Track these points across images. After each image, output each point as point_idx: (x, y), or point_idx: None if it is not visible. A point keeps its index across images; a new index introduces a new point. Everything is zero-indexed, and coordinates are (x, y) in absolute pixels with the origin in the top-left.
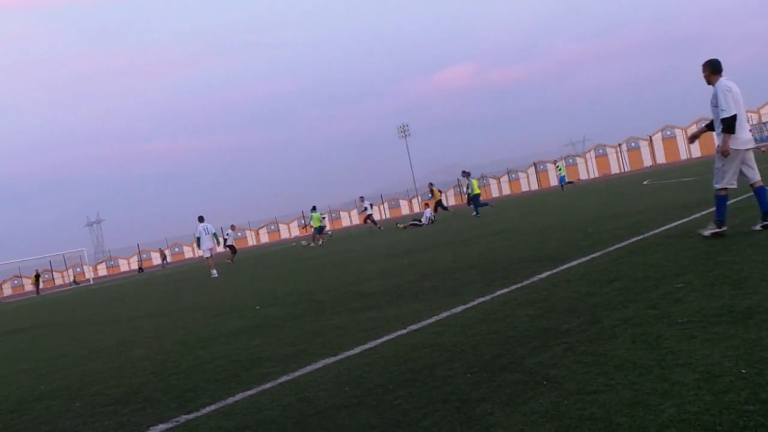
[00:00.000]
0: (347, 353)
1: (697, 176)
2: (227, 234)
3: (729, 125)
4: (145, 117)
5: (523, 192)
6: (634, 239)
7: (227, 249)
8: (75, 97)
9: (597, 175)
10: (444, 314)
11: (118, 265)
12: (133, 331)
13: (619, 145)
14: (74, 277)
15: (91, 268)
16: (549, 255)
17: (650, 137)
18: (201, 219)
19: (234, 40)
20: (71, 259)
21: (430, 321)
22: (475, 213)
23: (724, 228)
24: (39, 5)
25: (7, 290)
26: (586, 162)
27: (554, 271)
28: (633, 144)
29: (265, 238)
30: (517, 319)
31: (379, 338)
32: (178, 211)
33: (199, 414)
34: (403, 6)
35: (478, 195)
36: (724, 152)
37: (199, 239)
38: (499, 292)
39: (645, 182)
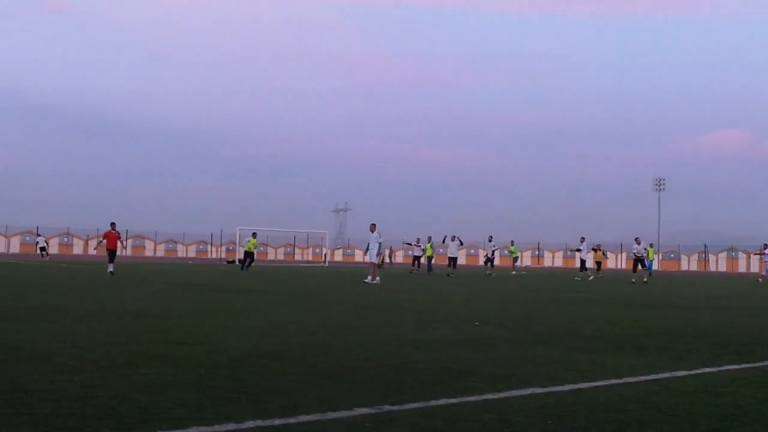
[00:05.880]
0: (556, 388)
1: None
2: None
3: None
4: (408, 123)
5: None
6: None
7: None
8: (350, 91)
9: None
10: (663, 375)
11: (354, 254)
12: (354, 317)
13: None
14: (313, 256)
15: (328, 251)
16: None
17: None
18: (373, 227)
19: (508, 64)
20: (312, 239)
21: (647, 377)
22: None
23: None
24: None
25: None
26: None
27: None
28: None
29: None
30: (742, 398)
31: (592, 382)
32: (414, 216)
33: (401, 408)
34: (676, 64)
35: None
36: None
37: (369, 245)
38: (727, 367)
39: None
